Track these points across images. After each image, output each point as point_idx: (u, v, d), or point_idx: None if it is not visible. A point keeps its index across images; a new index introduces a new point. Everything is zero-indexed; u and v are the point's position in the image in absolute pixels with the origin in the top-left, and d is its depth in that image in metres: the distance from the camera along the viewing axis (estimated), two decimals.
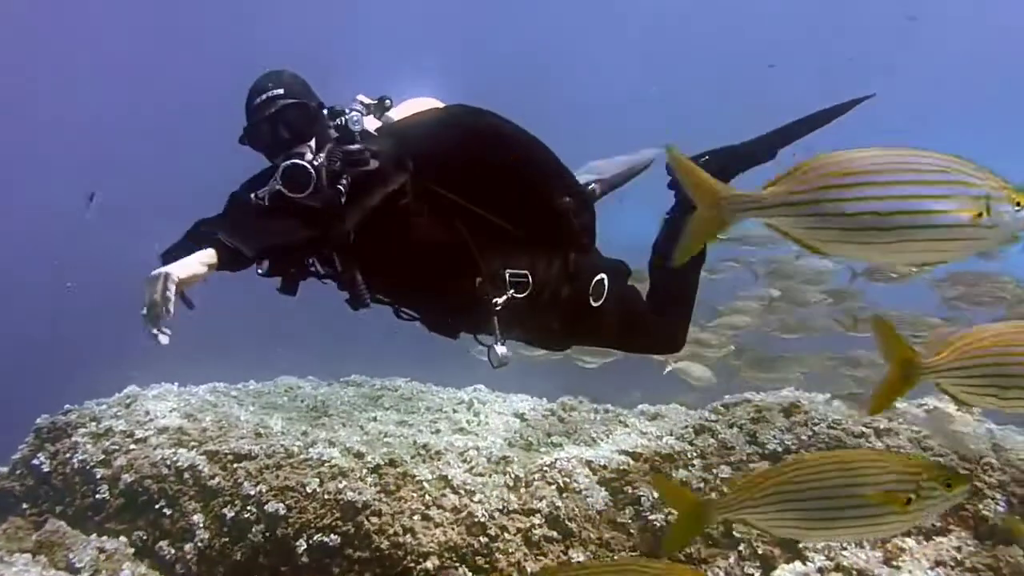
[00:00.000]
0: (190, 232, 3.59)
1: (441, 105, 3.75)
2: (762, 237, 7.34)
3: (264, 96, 3.30)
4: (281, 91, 3.32)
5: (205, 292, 3.21)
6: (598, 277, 3.79)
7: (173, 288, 2.71)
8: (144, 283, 2.75)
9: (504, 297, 3.52)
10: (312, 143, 3.31)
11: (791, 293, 7.52)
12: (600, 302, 3.78)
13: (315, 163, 3.23)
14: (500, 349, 3.58)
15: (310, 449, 5.28)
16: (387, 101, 3.60)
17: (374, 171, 3.27)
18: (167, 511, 4.96)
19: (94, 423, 5.42)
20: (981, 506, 4.66)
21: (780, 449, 5.14)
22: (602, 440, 5.76)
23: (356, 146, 3.31)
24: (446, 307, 3.66)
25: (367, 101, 3.54)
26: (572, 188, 3.67)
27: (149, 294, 2.72)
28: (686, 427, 5.60)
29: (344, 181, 3.21)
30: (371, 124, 3.49)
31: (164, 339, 2.69)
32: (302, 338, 14.05)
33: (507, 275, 3.53)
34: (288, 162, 3.22)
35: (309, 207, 3.18)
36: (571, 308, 3.74)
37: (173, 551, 4.83)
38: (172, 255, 3.56)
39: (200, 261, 2.92)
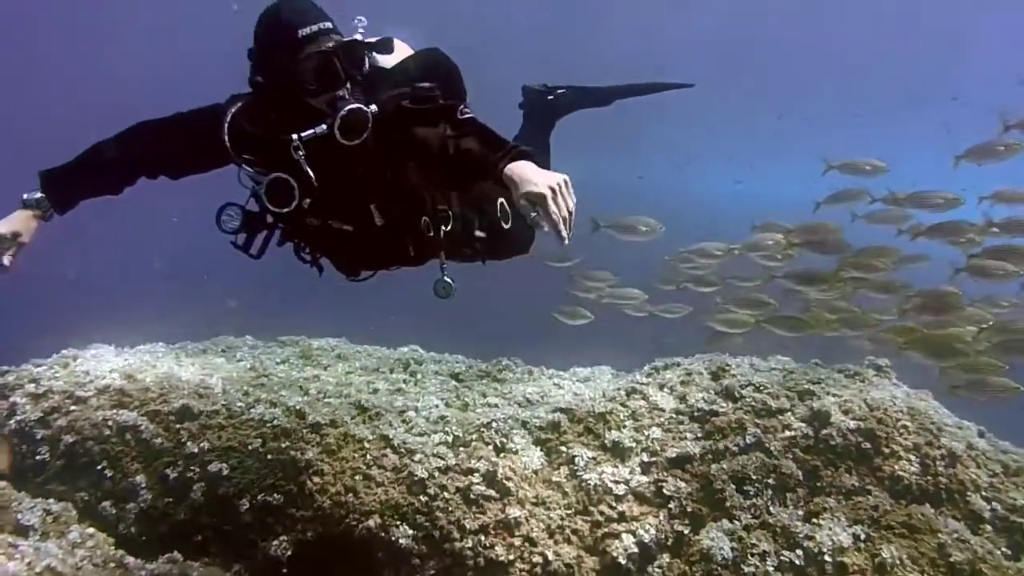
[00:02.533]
0: (91, 155, 3.57)
1: (410, 50, 3.86)
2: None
3: (317, 27, 3.26)
4: (330, 24, 3.31)
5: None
6: (500, 201, 4.00)
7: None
8: (553, 193, 2.79)
9: (441, 231, 3.70)
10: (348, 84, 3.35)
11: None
12: (509, 224, 4.05)
13: (372, 110, 3.31)
14: (448, 280, 3.80)
15: (252, 409, 5.34)
16: (392, 43, 3.55)
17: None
18: (109, 472, 4.97)
19: (32, 384, 5.38)
20: (897, 467, 4.93)
21: (707, 410, 5.35)
22: (537, 401, 5.92)
23: (427, 84, 3.42)
24: (400, 246, 3.79)
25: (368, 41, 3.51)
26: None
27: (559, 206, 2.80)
28: (618, 389, 5.79)
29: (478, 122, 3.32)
30: None
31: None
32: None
33: (436, 211, 3.76)
34: (352, 106, 3.26)
35: None
36: (488, 232, 4.00)
37: (115, 511, 4.85)
38: (73, 175, 3.55)
39: None
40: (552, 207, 2.76)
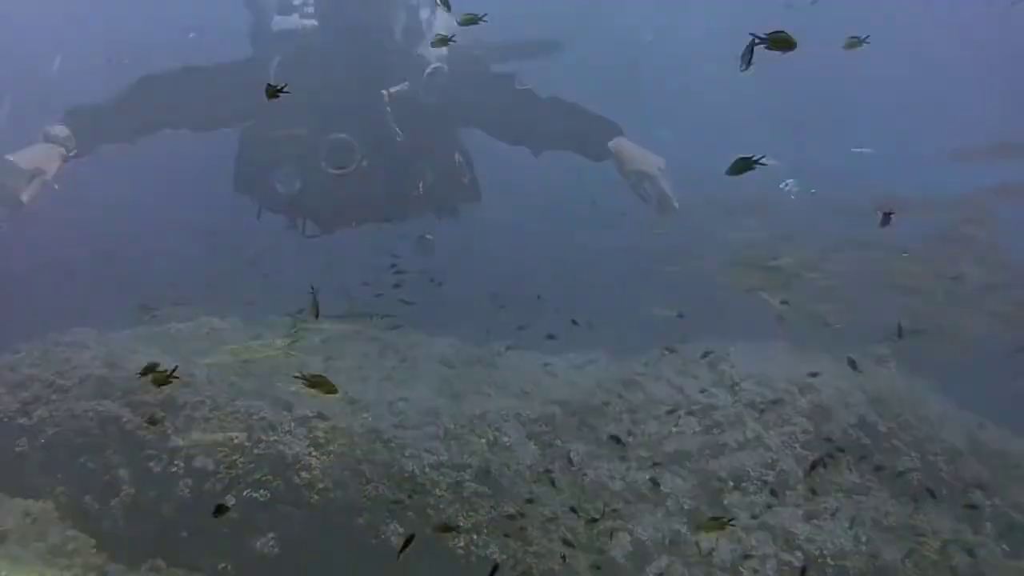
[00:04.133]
0: (120, 97, 3.34)
1: None
2: None
3: None
4: None
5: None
6: (458, 159, 4.08)
7: None
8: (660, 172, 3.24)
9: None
10: None
11: None
12: (467, 179, 4.14)
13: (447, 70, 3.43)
14: (428, 237, 3.82)
15: (237, 401, 5.20)
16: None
17: None
18: (91, 465, 4.85)
19: (11, 372, 5.24)
20: (898, 463, 4.85)
21: (706, 404, 5.25)
22: (531, 391, 5.79)
23: (477, 53, 3.62)
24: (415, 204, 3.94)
25: None
26: None
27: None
28: (615, 379, 5.67)
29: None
30: None
31: None
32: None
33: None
34: (437, 65, 3.39)
35: None
36: (453, 185, 4.08)
37: (98, 506, 4.74)
38: (101, 115, 3.31)
39: None
40: (662, 183, 3.17)
